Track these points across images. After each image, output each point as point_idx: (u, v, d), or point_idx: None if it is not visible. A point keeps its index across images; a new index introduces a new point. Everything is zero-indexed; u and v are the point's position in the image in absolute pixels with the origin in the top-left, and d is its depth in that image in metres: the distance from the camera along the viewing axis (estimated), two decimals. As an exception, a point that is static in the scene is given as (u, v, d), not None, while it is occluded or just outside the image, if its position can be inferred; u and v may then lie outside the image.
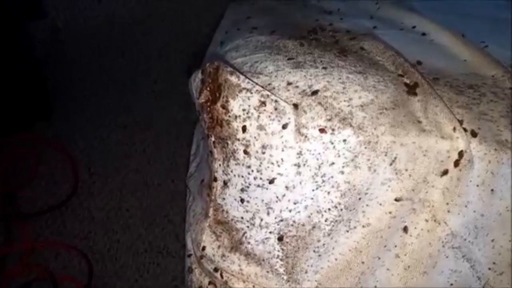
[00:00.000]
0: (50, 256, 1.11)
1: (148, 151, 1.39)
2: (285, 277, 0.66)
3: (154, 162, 1.36)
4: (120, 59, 1.65)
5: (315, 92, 0.60)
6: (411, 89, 0.61)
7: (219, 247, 0.70)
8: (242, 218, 0.66)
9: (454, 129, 0.57)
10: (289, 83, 0.63)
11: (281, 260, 0.65)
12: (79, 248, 1.12)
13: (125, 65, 1.62)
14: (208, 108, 0.64)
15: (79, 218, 1.19)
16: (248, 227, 0.66)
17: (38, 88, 1.43)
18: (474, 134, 0.57)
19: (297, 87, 0.62)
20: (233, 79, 0.62)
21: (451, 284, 0.63)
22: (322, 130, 0.57)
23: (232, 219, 0.67)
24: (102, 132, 1.42)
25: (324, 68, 0.65)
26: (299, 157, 0.59)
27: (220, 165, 0.66)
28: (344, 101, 0.60)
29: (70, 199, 1.22)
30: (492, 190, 0.57)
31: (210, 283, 0.74)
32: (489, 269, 0.62)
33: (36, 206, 1.20)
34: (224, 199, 0.67)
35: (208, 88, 0.65)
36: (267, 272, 0.66)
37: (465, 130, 0.57)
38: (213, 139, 0.66)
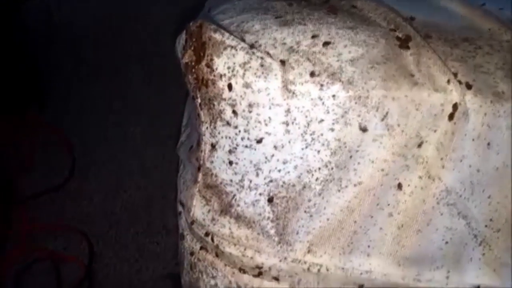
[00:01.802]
0: (49, 238, 1.11)
1: (143, 134, 1.39)
2: (276, 239, 0.64)
3: (149, 144, 1.35)
4: (113, 42, 1.63)
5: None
6: (403, 43, 0.59)
7: (209, 211, 0.68)
8: (231, 180, 0.64)
9: (448, 81, 0.54)
10: (276, 40, 0.60)
11: (271, 221, 0.63)
12: (78, 229, 1.11)
13: (118, 48, 1.61)
14: (193, 69, 0.62)
15: (78, 200, 1.20)
16: (237, 189, 0.64)
17: (32, 72, 1.42)
18: (469, 86, 0.54)
19: (284, 43, 0.60)
20: (217, 36, 0.60)
21: (446, 242, 0.61)
22: (312, 74, 0.54)
23: (221, 182, 0.65)
24: (97, 116, 1.42)
25: (313, 24, 0.62)
26: (287, 115, 0.57)
27: (207, 127, 0.64)
28: (333, 56, 0.57)
29: (68, 182, 1.22)
30: (488, 144, 0.55)
31: (201, 248, 0.73)
32: (486, 226, 0.60)
33: (34, 189, 1.20)
34: (212, 162, 0.65)
35: (192, 48, 0.62)
36: (258, 234, 0.65)
37: (459, 82, 0.55)
38: (199, 100, 0.64)
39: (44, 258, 1.06)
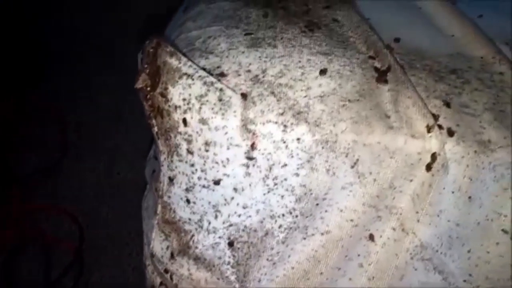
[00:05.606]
0: (41, 218, 1.08)
1: (137, 113, 1.33)
2: (237, 285, 0.59)
3: (144, 125, 1.29)
4: (108, 19, 1.57)
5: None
6: (382, 75, 0.52)
7: (168, 247, 0.63)
8: (189, 219, 0.58)
9: (428, 127, 0.48)
10: (240, 66, 0.53)
11: (232, 267, 0.58)
12: (70, 211, 1.08)
13: (113, 25, 1.55)
14: (147, 95, 0.55)
15: (70, 181, 1.16)
16: (196, 229, 0.58)
17: (26, 51, 1.38)
18: (450, 133, 0.48)
19: (249, 71, 0.53)
20: (173, 61, 0.53)
21: (421, 297, 0.56)
22: (275, 112, 0.48)
23: (179, 220, 0.60)
24: (90, 94, 1.37)
25: (284, 47, 0.55)
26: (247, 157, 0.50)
27: (165, 158, 0.58)
28: (301, 90, 0.51)
29: (60, 162, 1.18)
30: (469, 197, 0.49)
31: (161, 283, 0.68)
32: (464, 281, 0.55)
33: (26, 169, 1.17)
34: (170, 197, 0.59)
35: (147, 71, 0.55)
36: (218, 279, 0.59)
37: (440, 127, 0.48)
38: (156, 129, 0.57)
39: (34, 240, 1.03)
